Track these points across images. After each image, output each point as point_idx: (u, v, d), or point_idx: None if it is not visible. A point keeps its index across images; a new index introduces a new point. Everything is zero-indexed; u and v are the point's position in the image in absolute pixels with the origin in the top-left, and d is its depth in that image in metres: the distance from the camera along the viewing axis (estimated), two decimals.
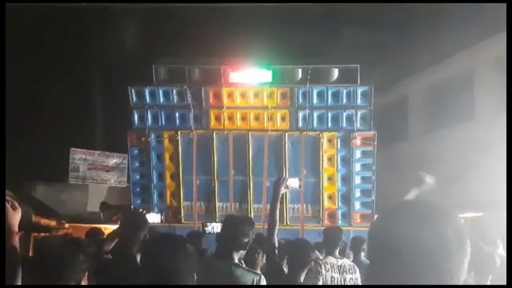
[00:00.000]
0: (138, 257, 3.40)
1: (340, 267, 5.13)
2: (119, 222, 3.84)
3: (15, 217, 2.47)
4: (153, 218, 4.81)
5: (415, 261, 1.11)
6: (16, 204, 2.49)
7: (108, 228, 7.27)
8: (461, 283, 1.15)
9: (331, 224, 8.35)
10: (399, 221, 1.15)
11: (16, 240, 2.44)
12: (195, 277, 2.21)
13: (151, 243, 2.47)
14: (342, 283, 4.95)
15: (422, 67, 12.08)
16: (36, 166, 12.79)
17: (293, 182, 4.91)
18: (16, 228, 2.45)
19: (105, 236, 5.11)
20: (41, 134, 12.73)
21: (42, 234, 9.43)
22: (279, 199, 4.50)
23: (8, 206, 2.45)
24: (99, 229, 5.61)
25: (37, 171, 13.03)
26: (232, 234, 3.42)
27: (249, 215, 8.76)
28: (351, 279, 5.03)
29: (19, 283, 2.40)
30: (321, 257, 5.21)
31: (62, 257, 2.72)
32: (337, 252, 5.27)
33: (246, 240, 3.42)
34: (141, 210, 4.19)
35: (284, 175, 4.11)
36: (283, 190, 4.60)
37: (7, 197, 2.50)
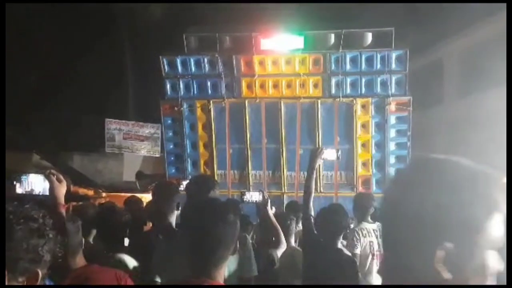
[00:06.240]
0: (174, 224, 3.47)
1: (376, 231, 5.13)
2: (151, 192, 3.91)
3: (61, 189, 2.53)
4: None
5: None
6: (61, 177, 2.56)
7: (145, 197, 7.42)
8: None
9: (365, 191, 8.31)
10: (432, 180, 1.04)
11: (63, 212, 2.51)
12: (237, 245, 2.14)
13: (191, 208, 2.44)
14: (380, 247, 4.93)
15: (457, 29, 11.68)
16: (72, 137, 13.10)
17: (330, 154, 4.83)
18: (62, 201, 2.52)
19: (144, 205, 5.24)
20: (77, 106, 12.97)
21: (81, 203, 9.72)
22: (315, 170, 4.47)
23: (53, 179, 2.51)
24: (138, 198, 5.69)
25: (74, 142, 13.35)
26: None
27: (283, 182, 8.81)
28: None
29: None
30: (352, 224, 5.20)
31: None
32: (369, 217, 5.26)
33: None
34: (173, 180, 4.23)
35: (321, 147, 3.99)
36: (319, 161, 4.54)
37: (52, 171, 2.56)
